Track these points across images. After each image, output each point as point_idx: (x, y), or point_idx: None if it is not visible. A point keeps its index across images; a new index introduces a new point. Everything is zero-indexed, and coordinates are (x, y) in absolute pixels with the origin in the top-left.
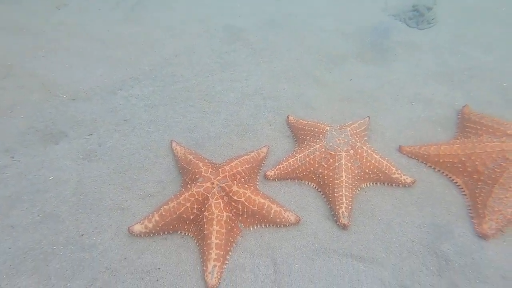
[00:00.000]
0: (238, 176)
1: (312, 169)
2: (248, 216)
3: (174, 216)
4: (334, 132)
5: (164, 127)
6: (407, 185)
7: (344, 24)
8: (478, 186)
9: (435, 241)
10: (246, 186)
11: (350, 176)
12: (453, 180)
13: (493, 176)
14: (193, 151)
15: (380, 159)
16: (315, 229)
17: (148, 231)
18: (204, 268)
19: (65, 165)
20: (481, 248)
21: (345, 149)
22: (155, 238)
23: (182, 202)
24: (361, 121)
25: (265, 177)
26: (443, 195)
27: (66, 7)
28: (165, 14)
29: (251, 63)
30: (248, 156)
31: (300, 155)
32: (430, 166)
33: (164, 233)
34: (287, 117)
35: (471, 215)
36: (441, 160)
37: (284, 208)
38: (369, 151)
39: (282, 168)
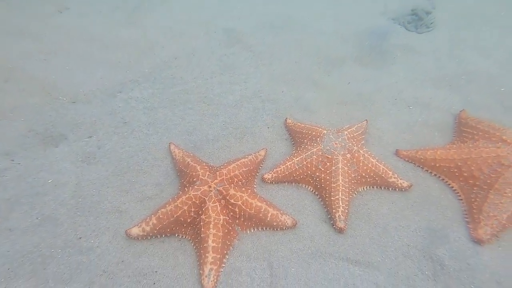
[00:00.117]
0: (236, 179)
1: (309, 172)
2: (245, 220)
3: (172, 219)
4: (331, 136)
5: (163, 130)
6: (403, 189)
7: (343, 27)
8: (474, 191)
9: (431, 246)
10: (243, 189)
11: (346, 180)
12: (449, 184)
13: (488, 181)
14: (191, 154)
15: (377, 163)
16: (311, 232)
17: (145, 234)
18: (200, 272)
19: (64, 168)
20: (476, 253)
21: (342, 153)
22: (153, 241)
23: (179, 205)
24: (359, 125)
25: (263, 180)
26: (439, 200)
27: (67, 10)
28: (165, 17)
29: (250, 66)
30: (246, 159)
31: (297, 159)
32: (427, 171)
33: (162, 236)
34: (285, 120)
35: (466, 220)
36: (437, 165)
37: (281, 211)
38: (366, 155)
39: (279, 171)
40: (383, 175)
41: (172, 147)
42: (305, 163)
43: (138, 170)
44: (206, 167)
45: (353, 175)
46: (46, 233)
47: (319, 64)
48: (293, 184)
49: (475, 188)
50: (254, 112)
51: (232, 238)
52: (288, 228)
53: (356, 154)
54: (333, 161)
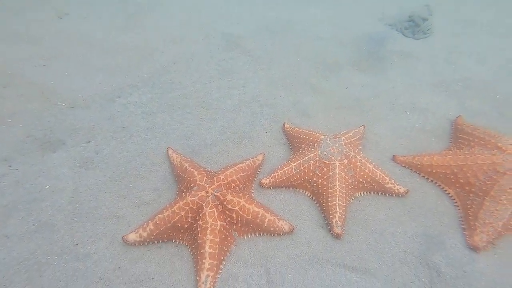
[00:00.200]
0: (233, 184)
1: (306, 177)
2: (242, 225)
3: (169, 225)
4: (328, 141)
5: (161, 134)
6: (400, 195)
7: (341, 33)
8: (470, 198)
9: (427, 252)
10: (241, 194)
11: (344, 185)
12: (445, 190)
13: (484, 188)
14: (189, 159)
15: (373, 168)
16: (308, 238)
17: (142, 240)
18: (197, 278)
19: (62, 173)
20: (472, 260)
21: (339, 158)
22: (150, 247)
23: (176, 211)
24: (356, 130)
25: (260, 185)
26: (436, 206)
27: (67, 16)
28: (164, 22)
29: (248, 70)
30: (244, 164)
31: (295, 164)
32: (423, 176)
33: (159, 242)
34: (283, 124)
35: (462, 226)
36: (434, 171)
37: (278, 217)
38: (363, 160)
39: (277, 176)
40: (380, 181)
41: (170, 152)
42: (302, 168)
43: (136, 175)
44: (203, 172)
45: (350, 181)
46: (43, 240)
47: (317, 69)
48: (291, 189)
49: (471, 195)
50: (252, 117)
51: (229, 244)
52: (285, 234)
53: (353, 160)
54: (330, 167)
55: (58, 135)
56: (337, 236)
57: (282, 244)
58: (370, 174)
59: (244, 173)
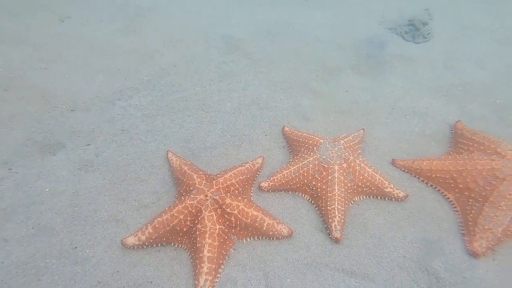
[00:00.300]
0: (232, 188)
1: (305, 181)
2: (241, 229)
3: (168, 228)
4: (327, 145)
5: (161, 137)
6: (399, 200)
7: (341, 36)
8: (469, 203)
9: (426, 258)
10: (240, 198)
11: (343, 189)
12: (445, 195)
13: (483, 193)
14: (189, 162)
15: (373, 173)
16: (307, 242)
17: (141, 243)
18: (196, 282)
19: (61, 176)
20: (471, 266)
21: (338, 162)
22: (149, 250)
23: (175, 214)
24: (355, 134)
25: (259, 188)
26: (435, 211)
27: (68, 19)
28: (164, 24)
29: (248, 73)
30: (243, 167)
31: (294, 167)
32: (423, 181)
33: (158, 245)
34: (283, 128)
35: (462, 232)
36: (433, 175)
37: (277, 220)
38: (362, 164)
39: (276, 180)
40: (379, 185)
41: (170, 154)
42: (301, 172)
43: (136, 178)
44: (202, 175)
45: (349, 185)
46: (42, 243)
47: (317, 72)
48: (290, 193)
49: (470, 200)
50: (252, 120)
51: (228, 248)
52: (284, 238)
53: (352, 164)
54: (329, 171)
55: (58, 138)
56: (336, 241)
57: (281, 248)
58: (369, 178)
59: (244, 177)
